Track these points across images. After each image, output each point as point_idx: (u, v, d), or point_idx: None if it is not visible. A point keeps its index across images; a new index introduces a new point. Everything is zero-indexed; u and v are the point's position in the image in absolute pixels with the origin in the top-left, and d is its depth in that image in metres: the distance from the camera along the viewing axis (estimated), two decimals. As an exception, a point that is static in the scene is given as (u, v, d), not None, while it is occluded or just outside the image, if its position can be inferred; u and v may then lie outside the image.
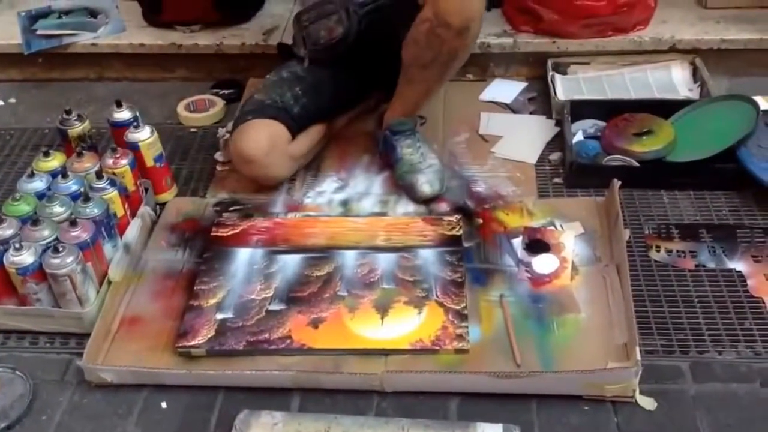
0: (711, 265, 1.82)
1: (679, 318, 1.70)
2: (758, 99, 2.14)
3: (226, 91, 2.55)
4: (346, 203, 2.06)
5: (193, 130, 2.43)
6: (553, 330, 1.66)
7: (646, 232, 1.92)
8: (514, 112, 2.39)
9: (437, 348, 1.63)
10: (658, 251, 1.86)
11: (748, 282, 1.77)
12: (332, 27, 2.05)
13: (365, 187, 2.11)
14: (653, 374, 1.57)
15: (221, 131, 2.26)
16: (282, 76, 2.14)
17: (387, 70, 2.07)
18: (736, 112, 2.10)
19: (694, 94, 2.36)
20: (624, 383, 1.52)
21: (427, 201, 2.02)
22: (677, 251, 1.86)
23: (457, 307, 1.70)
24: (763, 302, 1.72)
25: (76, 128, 2.06)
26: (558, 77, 2.43)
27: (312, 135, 2.15)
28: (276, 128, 2.02)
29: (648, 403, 1.53)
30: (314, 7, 2.09)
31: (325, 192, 2.10)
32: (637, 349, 1.51)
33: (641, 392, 1.53)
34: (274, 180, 2.07)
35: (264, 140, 1.99)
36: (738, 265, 1.81)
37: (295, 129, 2.07)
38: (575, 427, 1.50)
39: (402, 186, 2.06)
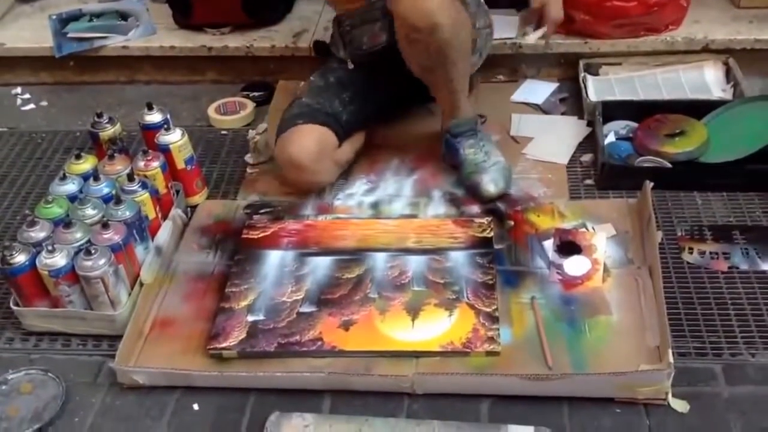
0: (744, 267, 1.80)
1: (712, 320, 1.68)
2: (792, 99, 2.12)
3: (256, 94, 2.56)
4: (376, 205, 2.06)
5: (223, 132, 2.44)
6: (584, 332, 1.65)
7: (679, 233, 1.90)
8: (546, 113, 2.38)
9: (468, 350, 1.62)
10: (691, 253, 1.84)
11: (783, 284, 1.75)
12: (376, 33, 2.06)
13: (395, 189, 2.11)
14: (686, 377, 1.56)
15: (251, 133, 2.27)
16: (329, 81, 2.13)
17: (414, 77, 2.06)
18: (770, 113, 2.08)
19: (728, 95, 2.33)
20: (656, 385, 1.50)
21: (493, 200, 2.01)
22: (710, 253, 1.84)
23: (488, 310, 1.70)
24: (797, 304, 1.70)
25: (108, 131, 2.07)
26: (590, 78, 2.41)
27: (356, 141, 2.16)
28: (325, 134, 2.02)
29: (681, 405, 1.51)
30: (357, 12, 2.09)
31: (356, 194, 2.10)
32: (670, 351, 1.50)
33: (674, 395, 1.52)
34: (318, 186, 2.08)
35: (314, 146, 1.99)
36: (772, 267, 1.79)
37: (343, 136, 2.08)
38: (607, 430, 1.49)
39: (468, 187, 2.04)
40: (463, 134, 2.06)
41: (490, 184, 2.00)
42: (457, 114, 2.05)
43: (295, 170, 2.01)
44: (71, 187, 1.89)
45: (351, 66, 2.13)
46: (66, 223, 1.73)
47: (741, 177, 2.00)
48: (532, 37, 2.20)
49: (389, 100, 2.21)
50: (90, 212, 1.79)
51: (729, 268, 1.80)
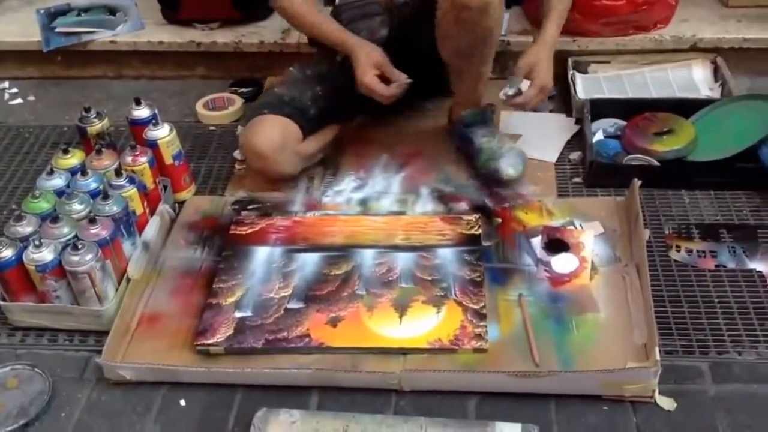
0: (731, 265, 1.81)
1: (699, 318, 1.69)
2: (780, 98, 2.13)
3: (244, 90, 2.56)
4: (364, 202, 2.06)
5: (211, 128, 2.44)
6: (572, 330, 1.66)
7: (667, 232, 1.91)
8: (534, 110, 2.38)
9: (456, 347, 1.62)
10: (678, 251, 1.85)
11: (769, 282, 1.76)
12: (375, 29, 2.06)
13: (384, 186, 2.11)
14: (673, 374, 1.56)
15: (240, 129, 2.27)
16: (306, 74, 2.15)
17: (416, 72, 2.05)
18: (758, 112, 2.09)
19: (716, 94, 2.34)
20: (643, 383, 1.51)
21: (511, 183, 2.03)
22: (697, 251, 1.85)
23: (476, 307, 1.70)
24: (784, 303, 1.71)
25: (95, 126, 2.07)
26: (578, 76, 2.42)
27: (325, 135, 2.16)
28: (288, 126, 2.03)
29: (667, 403, 1.52)
30: (355, 5, 2.09)
31: (344, 191, 2.10)
32: (657, 349, 1.50)
33: (660, 392, 1.53)
34: (281, 175, 2.07)
35: (277, 137, 2.00)
36: (758, 265, 1.80)
37: (308, 130, 2.08)
38: (594, 427, 1.50)
39: (485, 174, 2.05)
40: (476, 124, 2.08)
41: (509, 168, 2.01)
42: (478, 102, 2.08)
43: (257, 159, 2.02)
44: (58, 181, 1.88)
45: (339, 58, 2.10)
46: (53, 217, 1.72)
47: (728, 175, 2.01)
48: (506, 92, 2.00)
49: (366, 97, 2.12)
50: (77, 207, 1.78)
51: (716, 266, 1.81)
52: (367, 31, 2.06)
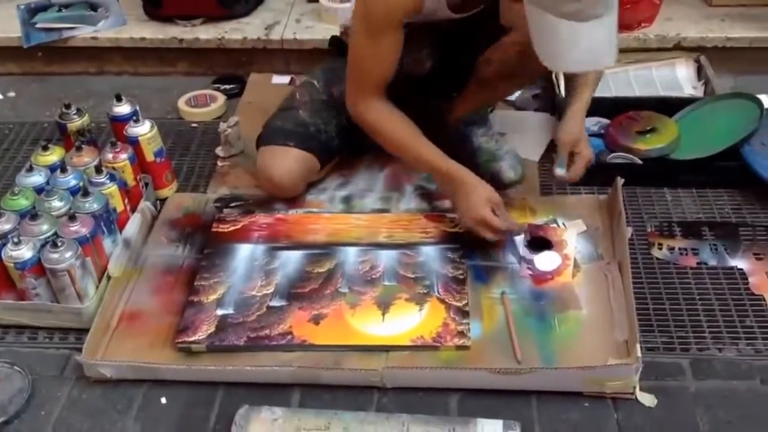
0: (713, 262, 1.81)
1: (680, 315, 1.70)
2: (762, 97, 2.14)
3: (227, 86, 2.55)
4: (348, 200, 2.05)
5: (194, 125, 2.42)
6: (554, 327, 1.66)
7: (649, 229, 1.91)
8: (519, 109, 2.38)
9: (438, 344, 1.62)
10: (661, 249, 1.86)
11: (750, 279, 1.77)
12: (423, 60, 1.93)
13: (368, 183, 2.11)
14: (654, 371, 1.57)
15: (222, 126, 2.25)
16: (331, 95, 2.04)
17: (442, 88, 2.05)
18: (740, 111, 2.10)
19: (699, 92, 2.35)
20: (624, 380, 1.51)
21: (511, 186, 2.02)
22: (679, 249, 1.86)
23: (459, 304, 1.70)
24: (765, 300, 1.72)
25: (75, 122, 2.05)
26: (562, 75, 2.42)
27: (335, 160, 2.13)
28: (311, 161, 2.00)
29: (648, 399, 1.52)
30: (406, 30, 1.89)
31: (328, 188, 2.09)
32: (638, 346, 1.51)
33: (641, 389, 1.53)
34: (288, 197, 2.04)
35: (297, 172, 1.98)
36: (740, 262, 1.81)
37: (327, 161, 2.07)
38: (575, 423, 1.50)
39: (485, 175, 2.00)
40: (476, 122, 2.07)
41: (509, 171, 2.00)
42: (477, 111, 2.07)
43: (272, 187, 2.01)
44: (38, 178, 1.86)
45: None
46: (32, 215, 1.71)
47: (711, 174, 2.02)
48: (557, 173, 1.91)
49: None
50: (57, 204, 1.77)
51: (697, 263, 1.81)
52: (413, 61, 1.91)
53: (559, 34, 1.46)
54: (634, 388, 1.52)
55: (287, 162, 1.97)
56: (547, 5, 1.43)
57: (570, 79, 2.01)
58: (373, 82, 1.84)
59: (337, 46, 2.11)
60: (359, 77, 1.85)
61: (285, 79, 2.55)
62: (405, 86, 1.88)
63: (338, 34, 2.18)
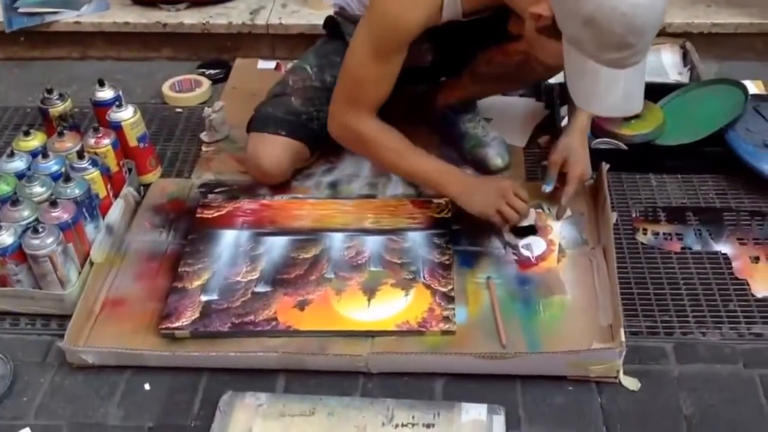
0: (697, 247, 1.82)
1: (664, 300, 1.70)
2: (747, 83, 2.15)
3: (212, 72, 2.53)
4: (334, 185, 2.04)
5: (178, 110, 2.40)
6: (539, 312, 1.66)
7: (634, 215, 1.91)
8: (504, 95, 2.37)
9: (423, 329, 1.62)
10: (645, 234, 1.86)
11: (733, 264, 1.77)
12: (422, 53, 1.86)
13: (354, 169, 2.09)
14: (637, 355, 1.58)
15: (207, 111, 2.23)
16: (326, 81, 1.98)
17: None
18: (725, 96, 2.10)
19: (684, 78, 2.36)
20: (608, 364, 1.51)
21: (497, 173, 2.03)
22: (664, 234, 1.86)
23: (444, 290, 1.70)
24: (748, 284, 1.73)
25: (58, 107, 2.03)
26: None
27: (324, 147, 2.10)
28: (301, 150, 1.99)
29: (632, 383, 1.53)
30: None
31: (314, 174, 2.08)
32: (622, 330, 1.51)
33: (625, 373, 1.54)
34: (275, 183, 2.03)
35: (286, 161, 1.96)
36: (723, 247, 1.82)
37: (317, 149, 2.05)
38: (559, 407, 1.50)
39: (471, 161, 2.03)
40: (462, 108, 2.07)
41: (497, 158, 2.02)
42: (467, 101, 2.08)
43: (261, 175, 1.99)
44: (19, 164, 1.84)
45: None
46: (13, 200, 1.69)
47: (696, 159, 2.03)
48: (545, 189, 1.90)
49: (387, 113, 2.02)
50: (38, 190, 1.76)
51: (682, 248, 1.82)
52: (414, 55, 1.83)
53: (599, 80, 1.47)
54: (618, 372, 1.53)
55: (276, 150, 1.95)
56: (591, 53, 1.43)
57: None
58: (371, 103, 1.80)
59: (331, 27, 2.06)
60: (357, 96, 1.80)
61: (271, 65, 2.54)
62: (399, 76, 1.83)
63: (332, 13, 2.09)
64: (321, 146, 2.05)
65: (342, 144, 1.92)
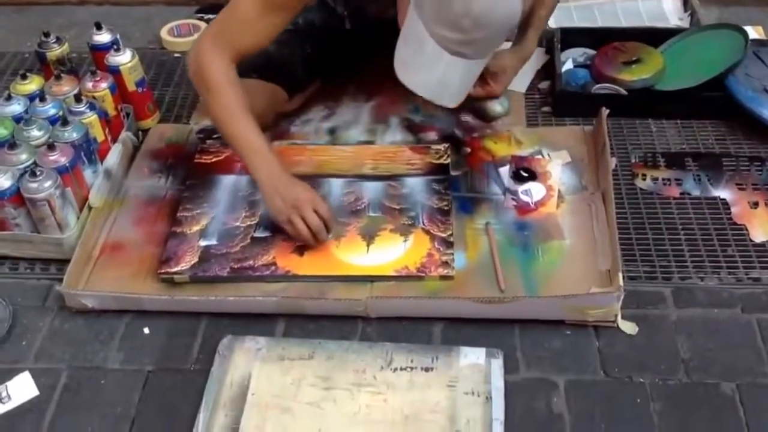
0: (696, 193, 1.82)
1: (662, 245, 1.70)
2: (748, 28, 2.12)
3: (210, 16, 2.49)
4: (333, 131, 2.03)
5: (176, 55, 2.38)
6: (537, 257, 1.66)
7: (633, 160, 1.91)
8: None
9: (422, 274, 1.62)
10: (644, 179, 1.86)
11: (732, 209, 1.77)
12: (384, 7, 1.79)
13: (353, 115, 2.08)
14: (635, 299, 1.58)
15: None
16: (297, 24, 1.93)
17: None
18: (726, 41, 2.08)
19: (685, 23, 2.33)
20: (606, 308, 1.52)
21: (499, 119, 2.01)
22: (663, 179, 1.86)
23: (443, 235, 1.70)
24: (746, 229, 1.73)
25: (55, 51, 2.01)
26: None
27: (309, 90, 2.09)
28: (276, 92, 1.96)
29: (629, 327, 1.54)
30: None
31: (312, 120, 2.07)
32: (620, 274, 1.51)
33: (623, 317, 1.54)
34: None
35: (262, 103, 1.90)
36: (722, 192, 1.81)
37: (295, 90, 2.02)
38: (557, 351, 1.51)
39: (470, 108, 2.01)
40: None
41: (496, 105, 1.99)
42: None
43: None
44: (16, 107, 1.83)
45: (348, 26, 1.99)
46: (11, 144, 1.68)
47: (695, 104, 2.01)
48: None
49: (357, 59, 2.05)
50: (36, 133, 1.75)
51: (681, 194, 1.82)
52: (376, 8, 1.85)
53: (422, 52, 1.47)
54: (616, 316, 1.53)
55: (249, 93, 1.84)
56: (426, 20, 1.43)
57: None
58: (236, 48, 1.69)
59: None
60: (226, 34, 1.68)
61: (268, 10, 2.51)
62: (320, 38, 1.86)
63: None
64: (300, 89, 2.04)
65: (192, 80, 1.77)
